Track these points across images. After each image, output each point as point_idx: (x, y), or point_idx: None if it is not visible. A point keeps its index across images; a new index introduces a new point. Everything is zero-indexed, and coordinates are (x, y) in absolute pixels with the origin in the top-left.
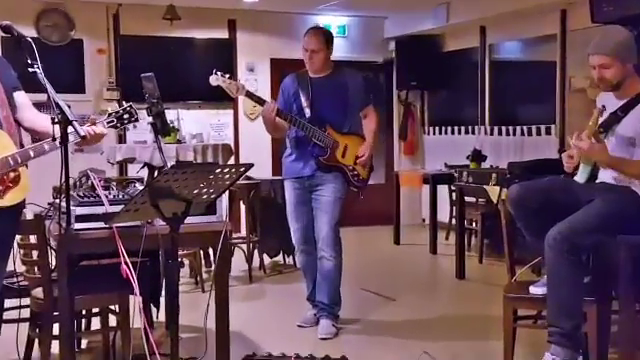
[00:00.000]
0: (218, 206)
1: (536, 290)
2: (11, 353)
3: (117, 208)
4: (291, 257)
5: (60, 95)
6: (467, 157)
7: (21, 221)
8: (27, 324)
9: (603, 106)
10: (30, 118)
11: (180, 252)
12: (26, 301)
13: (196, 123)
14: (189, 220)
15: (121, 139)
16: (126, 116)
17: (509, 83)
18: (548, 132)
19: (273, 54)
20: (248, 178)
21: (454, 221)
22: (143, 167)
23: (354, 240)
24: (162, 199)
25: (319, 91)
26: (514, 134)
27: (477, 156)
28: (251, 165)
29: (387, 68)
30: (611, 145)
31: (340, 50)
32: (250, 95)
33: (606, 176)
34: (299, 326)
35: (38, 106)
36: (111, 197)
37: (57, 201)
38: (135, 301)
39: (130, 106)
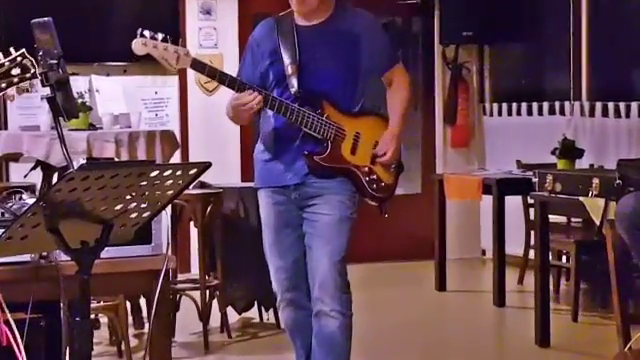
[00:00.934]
0: (155, 231)
1: None
2: None
3: None
4: (271, 311)
5: None
6: (553, 152)
7: None
8: None
9: None
10: None
11: (94, 304)
12: None
13: (120, 98)
14: (109, 253)
15: None
16: (16, 71)
17: (620, 35)
18: None
19: None
20: (203, 186)
21: (532, 254)
22: (35, 168)
23: (371, 285)
24: (65, 220)
25: (312, 47)
26: (627, 115)
27: (568, 150)
28: (207, 165)
29: (425, 9)
30: None
31: None
32: (200, 67)
33: None
34: None
35: None
36: None
37: None
38: None
39: (23, 54)
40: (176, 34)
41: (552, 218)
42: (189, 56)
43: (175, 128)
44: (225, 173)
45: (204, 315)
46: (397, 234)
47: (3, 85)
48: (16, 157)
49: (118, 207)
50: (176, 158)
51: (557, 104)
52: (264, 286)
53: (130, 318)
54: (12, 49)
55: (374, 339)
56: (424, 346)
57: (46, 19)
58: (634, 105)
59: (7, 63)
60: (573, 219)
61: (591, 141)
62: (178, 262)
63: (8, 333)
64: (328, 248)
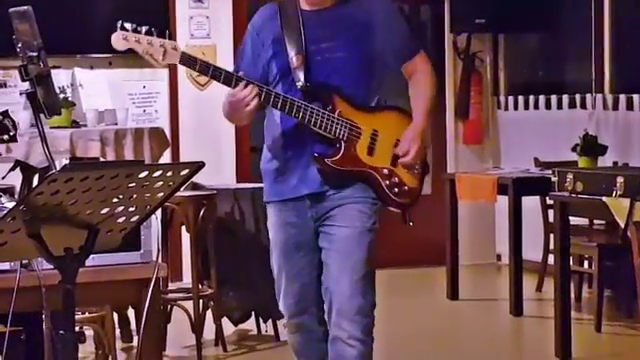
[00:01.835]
0: (144, 236)
1: None
2: None
3: None
4: (270, 323)
5: None
6: (573, 148)
7: None
8: None
9: None
10: None
11: (79, 316)
12: None
13: (105, 93)
14: (94, 261)
15: None
16: None
17: None
18: None
19: None
20: (196, 188)
21: (551, 259)
22: (14, 169)
23: (378, 294)
24: (47, 225)
25: (320, 34)
26: None
27: (590, 146)
28: (200, 165)
29: None
30: None
31: None
32: (191, 62)
33: None
34: None
35: None
36: None
37: None
38: None
39: (4, 113)
40: (165, 23)
41: (573, 220)
42: (177, 50)
43: (165, 125)
44: (219, 174)
45: (197, 327)
46: (406, 238)
47: None
48: None
49: (104, 211)
50: (166, 158)
51: (578, 97)
52: (262, 295)
53: (118, 331)
54: (14, 73)
55: (382, 352)
56: (435, 358)
57: (25, 8)
58: None
59: None
60: (596, 221)
61: (615, 136)
62: (169, 270)
63: None
64: (348, 265)
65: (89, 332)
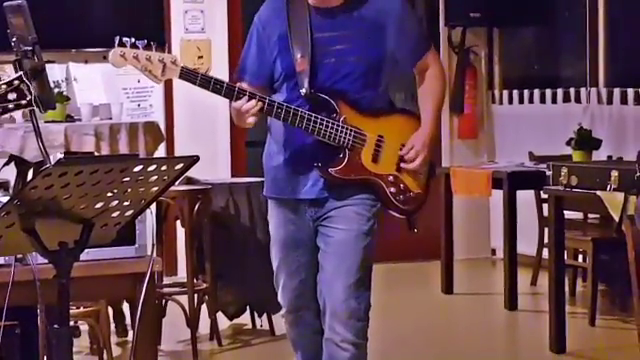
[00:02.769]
0: (138, 231)
1: None
2: None
3: None
4: (265, 317)
5: None
6: (568, 142)
7: None
8: None
9: None
10: None
11: (73, 310)
12: None
13: (99, 87)
14: (89, 255)
15: None
16: (12, 96)
17: None
18: None
19: None
20: (190, 182)
21: (546, 253)
22: (8, 163)
23: (374, 287)
24: (41, 219)
25: (328, 35)
26: None
27: (585, 140)
28: (195, 159)
29: None
30: None
31: None
32: (191, 77)
33: None
34: None
35: None
36: None
37: None
38: None
39: (20, 78)
40: (160, 18)
41: (567, 214)
42: (177, 65)
43: (159, 119)
44: (214, 167)
45: (192, 321)
46: (399, 233)
47: None
48: None
49: (99, 205)
50: (161, 152)
51: (572, 91)
52: (257, 290)
53: (112, 325)
54: (8, 68)
55: (376, 346)
56: (430, 353)
57: (20, 2)
58: None
59: (4, 86)
60: (590, 215)
61: (609, 131)
62: (164, 264)
63: None
64: (342, 269)
65: (84, 327)
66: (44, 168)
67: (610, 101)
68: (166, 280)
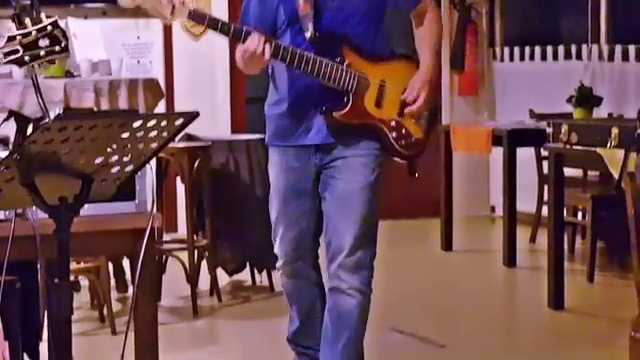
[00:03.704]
0: (138, 187)
1: None
2: None
3: None
4: (264, 273)
5: None
6: (568, 100)
7: None
8: None
9: None
10: None
11: (74, 266)
12: None
13: (99, 43)
14: (89, 211)
15: None
16: (44, 42)
17: None
18: None
19: None
20: (190, 138)
21: (545, 211)
22: (7, 119)
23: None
24: (41, 174)
25: None
26: None
27: (585, 98)
28: (194, 115)
29: None
30: None
31: None
32: (199, 17)
33: None
34: None
35: None
36: None
37: None
38: None
39: (54, 24)
40: None
41: (567, 172)
42: (185, 6)
43: (159, 76)
44: (214, 124)
45: (192, 277)
46: (400, 190)
47: (27, 58)
48: None
49: (98, 160)
50: (160, 108)
51: (573, 47)
52: (256, 246)
53: (113, 281)
54: (43, 15)
55: (376, 302)
56: (429, 309)
57: None
58: None
59: (35, 32)
60: (590, 172)
61: (610, 88)
62: (164, 221)
63: None
64: (349, 219)
65: (84, 282)
66: (43, 123)
67: (611, 58)
68: (166, 237)
